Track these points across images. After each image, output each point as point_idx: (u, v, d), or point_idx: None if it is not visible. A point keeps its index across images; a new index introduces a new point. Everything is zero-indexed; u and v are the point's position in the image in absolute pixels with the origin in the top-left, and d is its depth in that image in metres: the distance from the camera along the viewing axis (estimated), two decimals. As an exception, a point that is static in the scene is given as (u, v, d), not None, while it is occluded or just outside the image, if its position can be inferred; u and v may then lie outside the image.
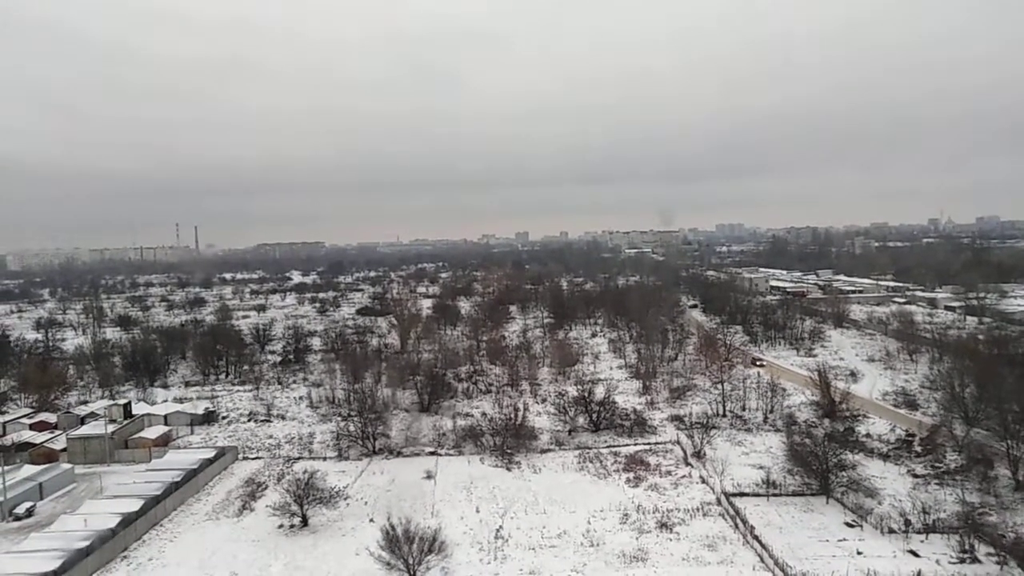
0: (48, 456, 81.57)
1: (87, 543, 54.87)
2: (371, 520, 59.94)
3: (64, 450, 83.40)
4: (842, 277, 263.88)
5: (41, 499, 69.01)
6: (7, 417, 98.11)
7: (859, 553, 51.21)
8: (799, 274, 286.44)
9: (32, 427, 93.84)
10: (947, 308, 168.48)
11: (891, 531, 54.36)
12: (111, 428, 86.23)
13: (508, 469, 73.79)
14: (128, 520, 59.77)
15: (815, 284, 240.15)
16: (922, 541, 52.61)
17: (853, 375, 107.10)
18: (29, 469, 73.70)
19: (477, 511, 62.63)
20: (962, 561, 49.20)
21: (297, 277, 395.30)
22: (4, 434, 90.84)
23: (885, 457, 71.71)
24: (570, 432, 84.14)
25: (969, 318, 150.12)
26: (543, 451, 78.90)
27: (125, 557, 56.03)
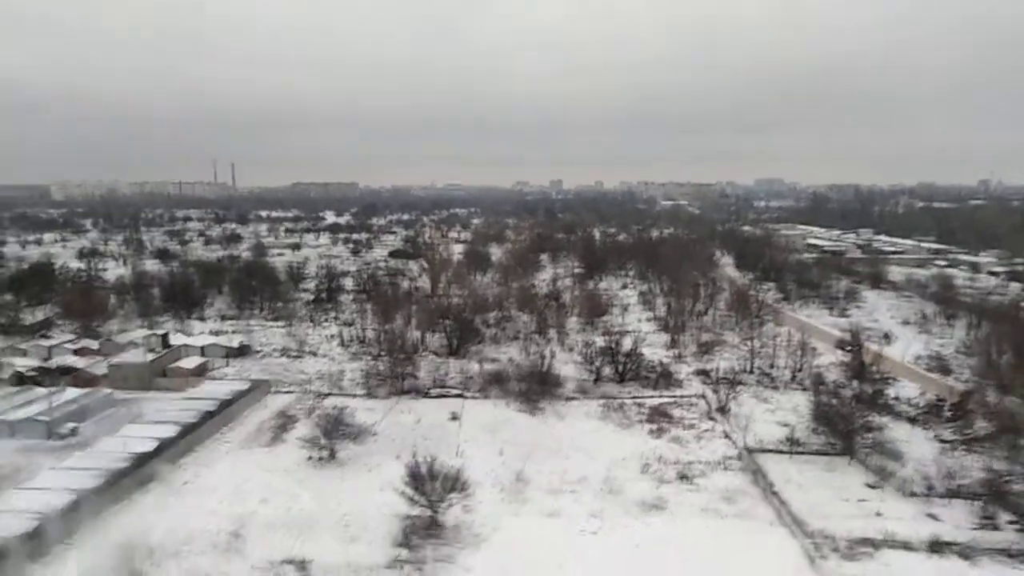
0: (90, 381, 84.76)
1: (126, 464, 57.51)
2: (397, 457, 61.48)
3: (105, 376, 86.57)
4: (883, 237, 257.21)
5: (83, 422, 72.00)
6: (52, 342, 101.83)
7: (878, 514, 51.27)
8: (838, 232, 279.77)
9: (75, 353, 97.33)
10: (990, 273, 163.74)
11: (913, 494, 54.18)
12: (150, 357, 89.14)
13: (532, 414, 74.83)
14: (165, 445, 62.31)
15: (854, 243, 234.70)
16: (943, 506, 52.42)
17: (887, 337, 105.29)
18: (72, 392, 76.75)
19: (500, 453, 63.89)
20: (982, 527, 49.03)
21: (331, 217, 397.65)
22: (50, 358, 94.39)
23: (913, 421, 71.03)
24: (595, 381, 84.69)
25: (1012, 284, 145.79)
26: (568, 399, 79.66)
27: (162, 480, 58.56)
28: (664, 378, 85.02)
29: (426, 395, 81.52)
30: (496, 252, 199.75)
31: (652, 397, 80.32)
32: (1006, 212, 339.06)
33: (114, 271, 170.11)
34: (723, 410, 74.49)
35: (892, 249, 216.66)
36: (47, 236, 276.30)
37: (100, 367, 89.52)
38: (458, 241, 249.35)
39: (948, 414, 71.90)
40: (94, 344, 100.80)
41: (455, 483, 50.69)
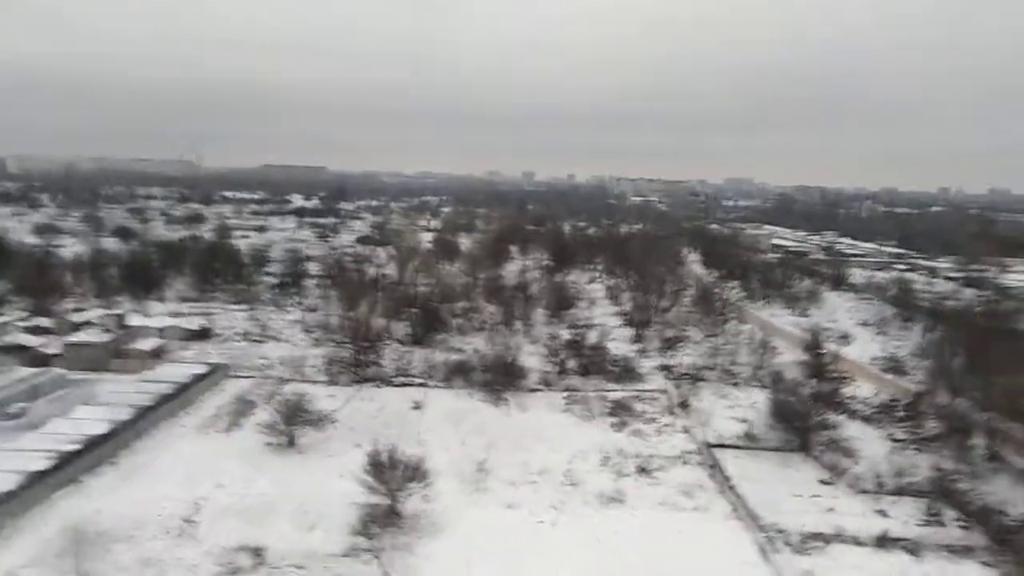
0: (42, 360, 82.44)
1: (78, 447, 56.07)
2: (357, 445, 60.93)
3: (58, 355, 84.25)
4: (846, 240, 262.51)
5: (33, 402, 69.93)
6: (3, 319, 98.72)
7: (830, 510, 52.48)
8: (803, 234, 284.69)
9: (28, 331, 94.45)
10: (947, 278, 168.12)
11: (864, 491, 55.57)
12: (106, 337, 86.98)
13: (495, 405, 74.80)
14: (118, 428, 60.89)
15: (818, 245, 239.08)
16: (893, 503, 53.83)
17: (845, 338, 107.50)
18: (23, 371, 74.58)
19: (462, 443, 63.79)
20: (928, 524, 50.49)
21: (298, 201, 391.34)
22: (0, 335, 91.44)
23: (867, 420, 72.72)
24: (560, 374, 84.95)
25: (968, 289, 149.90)
26: (531, 390, 79.81)
27: (114, 463, 57.27)
28: (627, 372, 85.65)
29: (389, 383, 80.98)
30: (465, 242, 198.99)
31: (615, 391, 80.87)
32: (964, 220, 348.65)
33: (71, 248, 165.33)
34: (684, 405, 75.39)
35: (854, 252, 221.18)
36: (1, 210, 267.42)
37: (54, 346, 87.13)
38: (427, 229, 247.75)
39: (901, 414, 73.76)
40: (48, 322, 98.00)
41: (415, 472, 50.47)
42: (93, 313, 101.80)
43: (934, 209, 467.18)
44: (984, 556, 46.38)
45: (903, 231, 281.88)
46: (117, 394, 69.60)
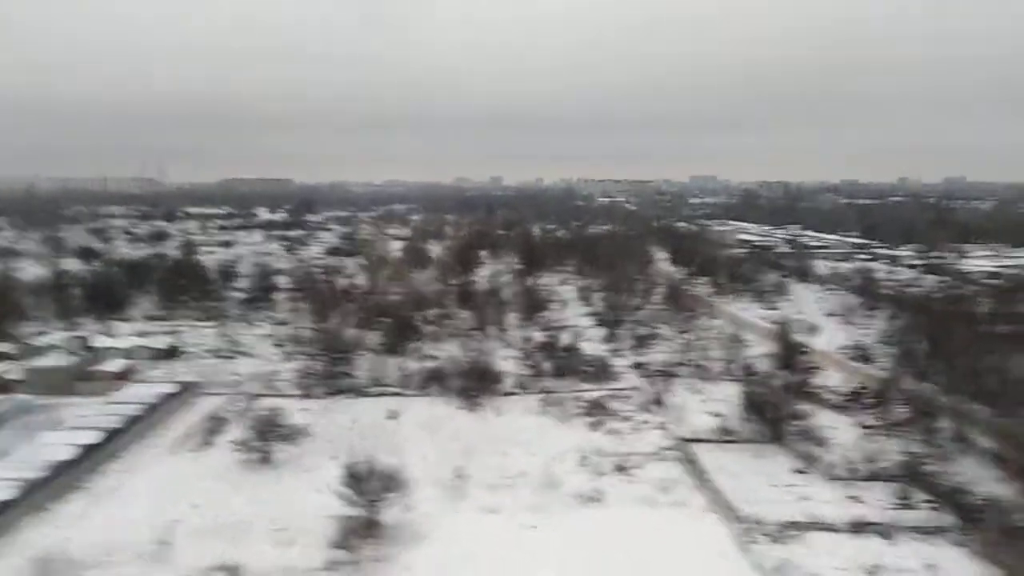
0: (4, 387, 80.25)
1: (45, 473, 54.74)
2: (333, 458, 60.40)
3: (22, 381, 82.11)
4: (810, 232, 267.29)
5: (-3, 430, 68.10)
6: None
7: (805, 498, 53.31)
8: (768, 228, 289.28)
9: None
10: (908, 266, 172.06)
11: (837, 478, 56.58)
12: (71, 360, 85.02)
13: (472, 411, 74.66)
14: (87, 452, 59.55)
15: (783, 238, 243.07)
16: (865, 488, 54.87)
17: (813, 329, 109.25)
18: (-16, 399, 72.57)
19: (440, 451, 63.56)
20: (900, 507, 51.57)
21: (264, 214, 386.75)
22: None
23: (837, 408, 74.04)
24: (535, 377, 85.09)
25: (928, 276, 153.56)
26: (507, 394, 79.79)
27: (84, 488, 56.01)
28: (602, 372, 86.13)
29: (364, 394, 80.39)
30: (436, 249, 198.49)
31: (590, 391, 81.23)
32: (923, 208, 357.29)
33: (31, 271, 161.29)
34: (658, 402, 76.01)
35: (818, 244, 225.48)
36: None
37: (16, 372, 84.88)
38: (397, 238, 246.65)
39: (869, 401, 75.25)
40: (9, 348, 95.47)
41: (393, 482, 50.20)
42: (56, 336, 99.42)
43: (893, 199, 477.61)
44: (954, 535, 47.55)
45: (864, 222, 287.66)
46: (84, 418, 68.02)
